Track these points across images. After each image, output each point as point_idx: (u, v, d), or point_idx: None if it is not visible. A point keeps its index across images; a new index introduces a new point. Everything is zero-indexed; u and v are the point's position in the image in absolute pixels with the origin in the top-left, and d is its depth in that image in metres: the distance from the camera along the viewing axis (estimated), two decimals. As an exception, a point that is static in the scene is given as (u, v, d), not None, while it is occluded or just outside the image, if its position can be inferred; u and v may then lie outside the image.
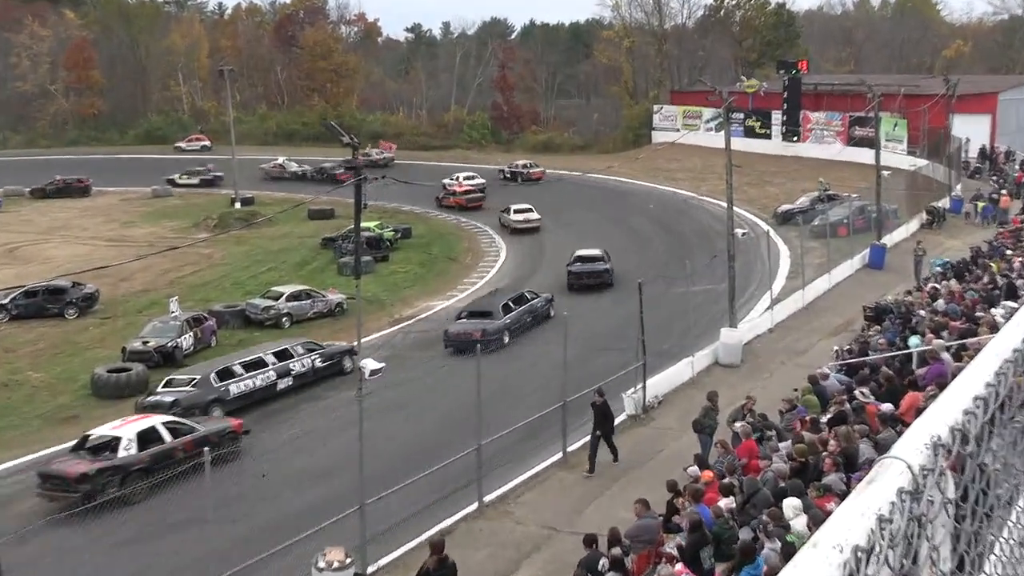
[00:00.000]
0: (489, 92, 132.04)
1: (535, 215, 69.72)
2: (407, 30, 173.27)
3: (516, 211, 70.20)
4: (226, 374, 35.72)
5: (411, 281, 58.57)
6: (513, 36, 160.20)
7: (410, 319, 50.06)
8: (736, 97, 61.97)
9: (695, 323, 38.92)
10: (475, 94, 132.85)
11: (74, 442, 30.21)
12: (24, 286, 49.17)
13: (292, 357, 38.31)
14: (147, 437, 29.43)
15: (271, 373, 37.39)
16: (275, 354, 37.75)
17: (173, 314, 43.60)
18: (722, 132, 45.00)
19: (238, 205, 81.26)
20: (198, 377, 35.30)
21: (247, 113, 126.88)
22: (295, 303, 49.06)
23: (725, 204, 41.69)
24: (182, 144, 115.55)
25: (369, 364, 31.65)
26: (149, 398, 34.48)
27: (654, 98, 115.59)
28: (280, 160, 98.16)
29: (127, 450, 29.14)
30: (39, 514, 26.16)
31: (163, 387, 34.97)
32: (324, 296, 50.60)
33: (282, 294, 49.70)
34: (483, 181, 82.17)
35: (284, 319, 48.40)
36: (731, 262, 39.84)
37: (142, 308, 51.78)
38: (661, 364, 34.79)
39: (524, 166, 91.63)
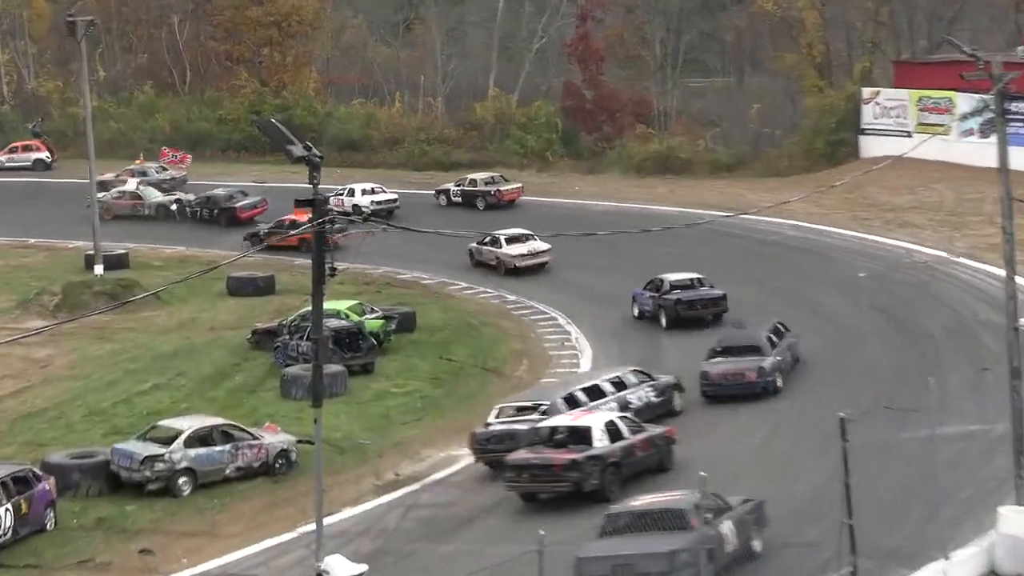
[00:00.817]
0: (558, 65, 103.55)
1: (541, 244, 62.60)
2: None
3: (510, 240, 63.00)
4: (571, 401, 38.52)
5: (415, 411, 45.09)
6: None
7: (414, 482, 39.01)
8: (1020, 73, 36.14)
9: (949, 496, 28.53)
10: (533, 69, 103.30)
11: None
12: None
13: (627, 387, 40.14)
14: (612, 430, 34.58)
15: (612, 403, 38.84)
16: (612, 383, 40.19)
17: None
18: (993, 138, 30.86)
19: (99, 270, 63.83)
20: (546, 404, 38.43)
21: (118, 101, 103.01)
22: (202, 451, 37.67)
23: (1002, 272, 30.35)
24: None
25: (339, 568, 26.05)
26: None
27: (863, 75, 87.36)
28: (131, 182, 79.98)
29: (600, 441, 33.89)
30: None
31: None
32: (255, 438, 38.85)
33: (178, 433, 37.75)
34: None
35: (181, 480, 37.08)
36: (1017, 382, 28.70)
37: None
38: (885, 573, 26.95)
39: (488, 181, 78.19)
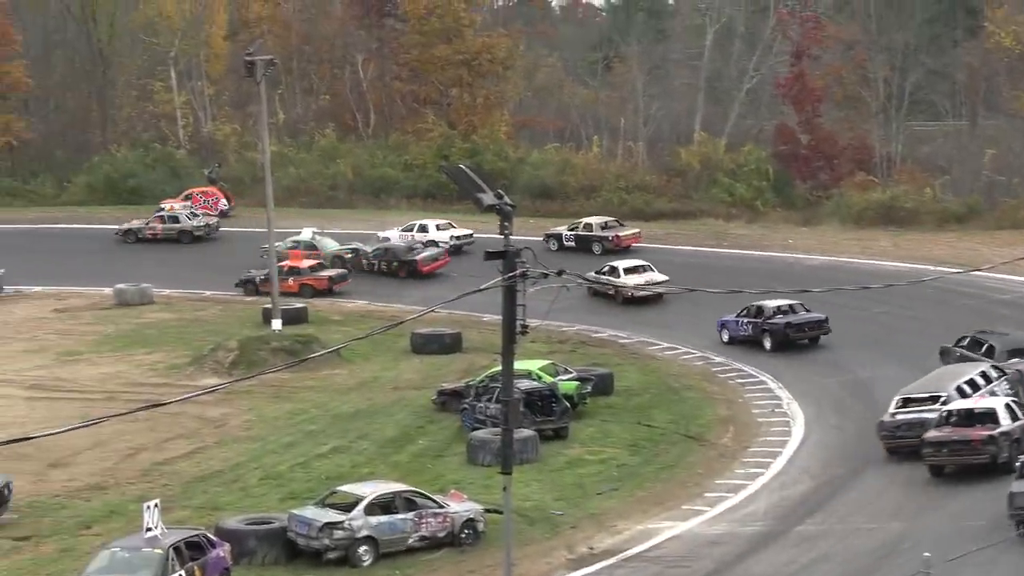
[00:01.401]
0: (771, 107, 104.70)
1: (657, 275, 66.97)
2: None
3: (628, 271, 67.47)
4: (961, 392, 44.76)
5: (611, 480, 44.86)
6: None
7: (610, 556, 38.48)
8: None
9: None
10: (742, 111, 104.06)
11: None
12: None
13: (991, 381, 45.99)
14: (1011, 411, 41.87)
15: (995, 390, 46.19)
16: (982, 376, 46.03)
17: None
18: None
19: (277, 325, 64.57)
20: (944, 394, 44.52)
21: (298, 145, 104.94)
22: (384, 519, 38.11)
23: None
24: (174, 204, 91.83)
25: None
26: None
27: None
28: (307, 231, 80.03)
29: (1005, 420, 41.17)
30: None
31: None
32: (440, 506, 39.24)
33: (359, 500, 38.29)
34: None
35: (361, 549, 37.43)
36: None
37: (91, 522, 41.83)
38: None
39: (604, 226, 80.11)
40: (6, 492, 40.79)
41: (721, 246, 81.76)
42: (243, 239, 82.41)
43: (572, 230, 79.88)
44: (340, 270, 74.75)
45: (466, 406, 48.74)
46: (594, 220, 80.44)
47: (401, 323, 53.60)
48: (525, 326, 30.53)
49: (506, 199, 30.75)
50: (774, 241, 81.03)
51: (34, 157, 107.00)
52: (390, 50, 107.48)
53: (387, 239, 79.76)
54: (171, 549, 33.54)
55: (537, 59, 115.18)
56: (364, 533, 37.28)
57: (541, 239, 77.76)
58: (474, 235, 76.91)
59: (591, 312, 65.75)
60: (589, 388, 51.53)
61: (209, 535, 35.71)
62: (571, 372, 52.38)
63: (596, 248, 77.71)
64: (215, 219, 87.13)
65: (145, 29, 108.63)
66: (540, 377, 49.83)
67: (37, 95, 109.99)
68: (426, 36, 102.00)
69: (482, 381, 49.20)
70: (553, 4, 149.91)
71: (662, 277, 66.46)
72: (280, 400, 55.04)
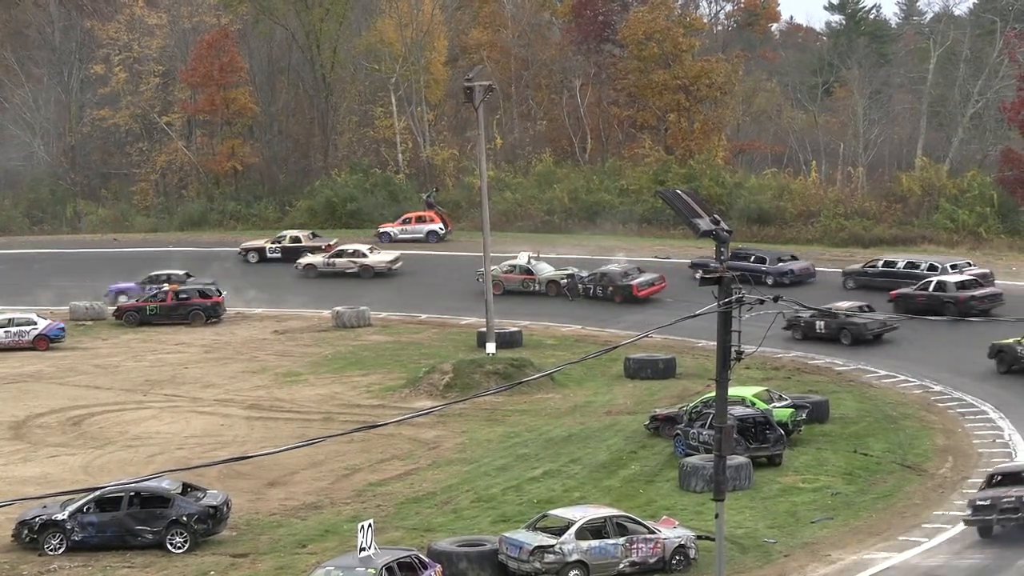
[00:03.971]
0: (996, 132, 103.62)
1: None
2: (830, 7, 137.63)
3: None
4: None
5: (826, 509, 43.95)
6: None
7: None
8: None
9: None
10: (966, 136, 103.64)
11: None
12: (96, 490, 41.53)
13: None
14: None
15: None
16: None
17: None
18: None
19: (491, 348, 65.18)
20: None
21: (515, 170, 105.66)
22: (595, 544, 37.81)
23: None
24: (391, 229, 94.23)
25: None
26: None
27: None
28: (523, 255, 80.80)
29: None
30: None
31: None
32: (651, 532, 38.81)
33: (570, 524, 38.22)
34: None
35: (572, 573, 37.33)
36: None
37: (306, 540, 42.17)
38: None
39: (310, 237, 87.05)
40: (225, 509, 41.37)
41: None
42: (461, 263, 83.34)
43: (277, 243, 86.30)
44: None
45: (679, 432, 48.37)
46: (300, 233, 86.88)
47: (615, 348, 53.53)
48: (740, 352, 30.74)
49: (722, 224, 30.65)
50: (998, 268, 78.29)
51: (257, 181, 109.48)
52: (608, 75, 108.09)
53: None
54: (384, 569, 33.98)
55: (756, 84, 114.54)
56: (575, 557, 37.08)
57: (238, 251, 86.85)
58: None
59: (807, 340, 64.35)
60: (804, 415, 50.99)
61: (421, 556, 35.92)
62: (786, 399, 51.69)
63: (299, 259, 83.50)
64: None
65: (367, 55, 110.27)
66: (754, 404, 49.18)
67: (261, 121, 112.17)
68: (644, 61, 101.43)
69: (695, 407, 48.73)
70: (773, 28, 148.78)
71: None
72: (493, 423, 54.99)
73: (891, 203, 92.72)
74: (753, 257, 77.31)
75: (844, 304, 65.97)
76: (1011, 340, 58.02)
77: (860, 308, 64.93)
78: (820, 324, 64.64)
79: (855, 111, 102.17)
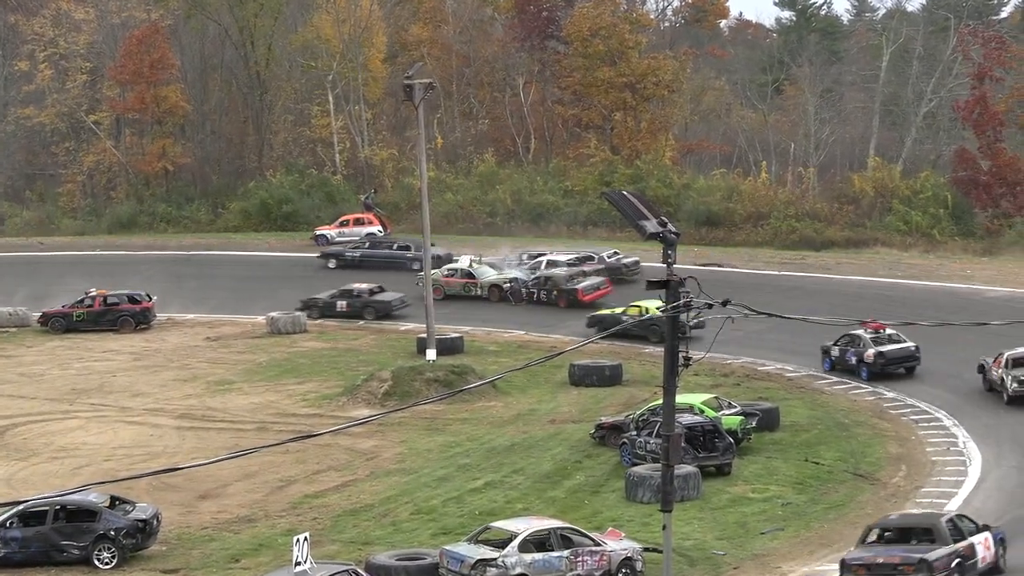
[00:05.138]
0: (950, 132, 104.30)
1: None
2: (781, 3, 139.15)
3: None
4: None
5: (776, 520, 43.73)
6: (1007, 10, 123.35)
7: None
8: None
9: None
10: (920, 136, 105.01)
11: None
12: (20, 504, 40.88)
13: None
14: None
15: None
16: None
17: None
18: None
19: (432, 355, 64.62)
20: None
21: (456, 170, 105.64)
22: (538, 557, 37.56)
23: None
24: (328, 231, 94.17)
25: None
26: None
27: None
28: (464, 259, 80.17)
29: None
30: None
31: None
32: (597, 544, 38.47)
33: (513, 536, 38.00)
34: None
35: None
36: None
37: (240, 555, 41.89)
38: None
39: None
40: (155, 523, 41.02)
41: (895, 276, 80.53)
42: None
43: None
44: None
45: (625, 441, 48.22)
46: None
47: (560, 354, 52.91)
48: (688, 358, 30.82)
49: (670, 227, 30.74)
50: (952, 271, 79.68)
51: (189, 182, 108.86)
52: (552, 73, 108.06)
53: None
54: (320, 584, 34.08)
55: (704, 82, 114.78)
56: (518, 571, 36.86)
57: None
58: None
59: (758, 345, 63.91)
60: (754, 423, 50.79)
61: (359, 570, 35.69)
62: (735, 406, 51.60)
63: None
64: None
65: (303, 52, 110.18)
66: (703, 411, 49.11)
67: (193, 120, 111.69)
68: (589, 59, 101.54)
69: (642, 415, 48.70)
70: (722, 25, 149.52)
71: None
72: (433, 432, 54.65)
73: (843, 204, 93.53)
74: (396, 245, 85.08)
75: (364, 285, 75.40)
76: (607, 311, 67.24)
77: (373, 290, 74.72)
78: (342, 304, 74.43)
79: (806, 110, 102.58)
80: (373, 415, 53.05)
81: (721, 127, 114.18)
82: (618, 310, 67.12)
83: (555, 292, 75.25)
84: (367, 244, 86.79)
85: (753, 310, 51.87)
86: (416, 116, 69.26)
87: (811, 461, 48.84)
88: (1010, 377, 54.45)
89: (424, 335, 65.80)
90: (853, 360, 59.93)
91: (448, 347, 66.06)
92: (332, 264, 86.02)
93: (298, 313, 74.63)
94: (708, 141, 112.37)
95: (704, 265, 79.17)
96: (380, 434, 53.98)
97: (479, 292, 77.75)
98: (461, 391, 55.54)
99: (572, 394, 59.84)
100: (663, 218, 31.13)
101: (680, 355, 30.12)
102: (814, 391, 59.41)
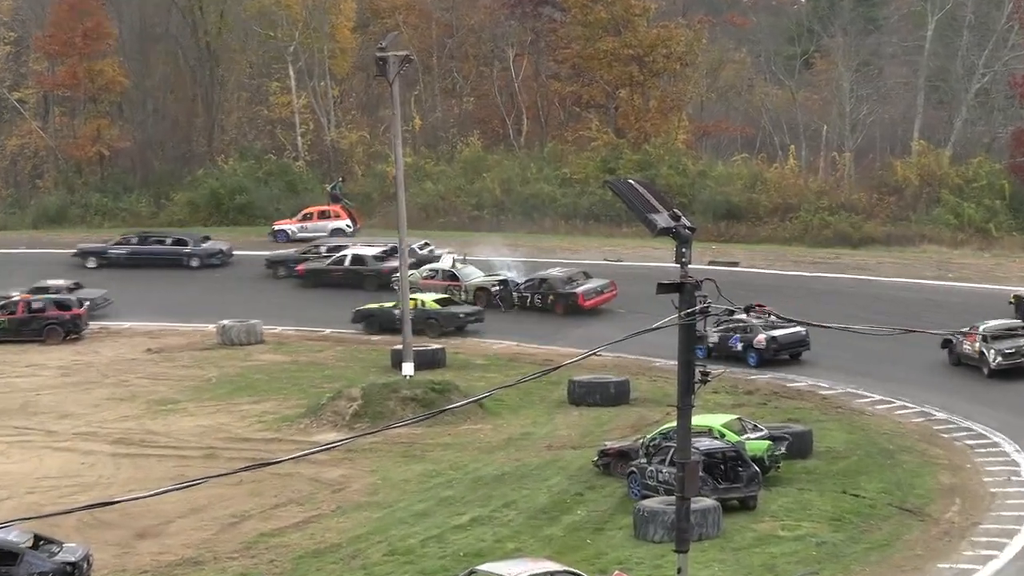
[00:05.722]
0: (1006, 111, 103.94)
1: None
2: None
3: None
4: None
5: (809, 560, 43.49)
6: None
7: None
8: None
9: None
10: (971, 116, 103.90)
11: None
12: None
13: None
14: None
15: None
16: None
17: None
18: None
19: (408, 369, 63.60)
20: None
21: (437, 156, 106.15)
22: None
23: None
24: (288, 226, 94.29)
25: None
26: None
27: None
28: (447, 258, 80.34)
29: None
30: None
31: None
32: None
33: None
34: None
35: None
36: None
37: None
38: None
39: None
40: (85, 566, 41.17)
41: (945, 278, 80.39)
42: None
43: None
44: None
45: (634, 470, 47.99)
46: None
47: (557, 368, 52.93)
48: (706, 373, 30.54)
49: (684, 221, 30.37)
50: (1010, 272, 79.67)
51: (128, 170, 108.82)
52: (547, 44, 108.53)
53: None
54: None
55: (722, 54, 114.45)
56: None
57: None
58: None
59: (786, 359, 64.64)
60: (783, 449, 50.46)
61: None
62: (761, 429, 51.26)
63: None
64: None
65: (260, 20, 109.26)
66: (723, 435, 48.98)
67: (133, 98, 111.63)
68: (590, 28, 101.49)
69: (653, 439, 48.51)
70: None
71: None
72: (410, 460, 54.63)
73: (884, 195, 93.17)
74: (171, 239, 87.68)
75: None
76: (375, 305, 72.94)
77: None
78: None
79: (840, 86, 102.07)
80: (340, 440, 52.10)
81: (742, 106, 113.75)
82: (387, 304, 72.11)
83: (551, 297, 75.34)
84: (134, 239, 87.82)
85: (782, 317, 51.61)
86: (390, 94, 68.13)
87: (850, 493, 48.40)
88: (992, 351, 58.45)
89: (399, 347, 65.09)
90: (739, 346, 62.85)
91: (428, 361, 65.60)
92: (92, 263, 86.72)
93: (254, 322, 74.46)
94: (727, 122, 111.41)
95: (715, 264, 78.85)
96: (348, 462, 53.86)
97: (464, 296, 77.50)
98: (443, 411, 55.41)
99: (572, 415, 59.61)
100: (676, 211, 30.68)
101: (697, 370, 29.89)
102: (852, 411, 59.29)
